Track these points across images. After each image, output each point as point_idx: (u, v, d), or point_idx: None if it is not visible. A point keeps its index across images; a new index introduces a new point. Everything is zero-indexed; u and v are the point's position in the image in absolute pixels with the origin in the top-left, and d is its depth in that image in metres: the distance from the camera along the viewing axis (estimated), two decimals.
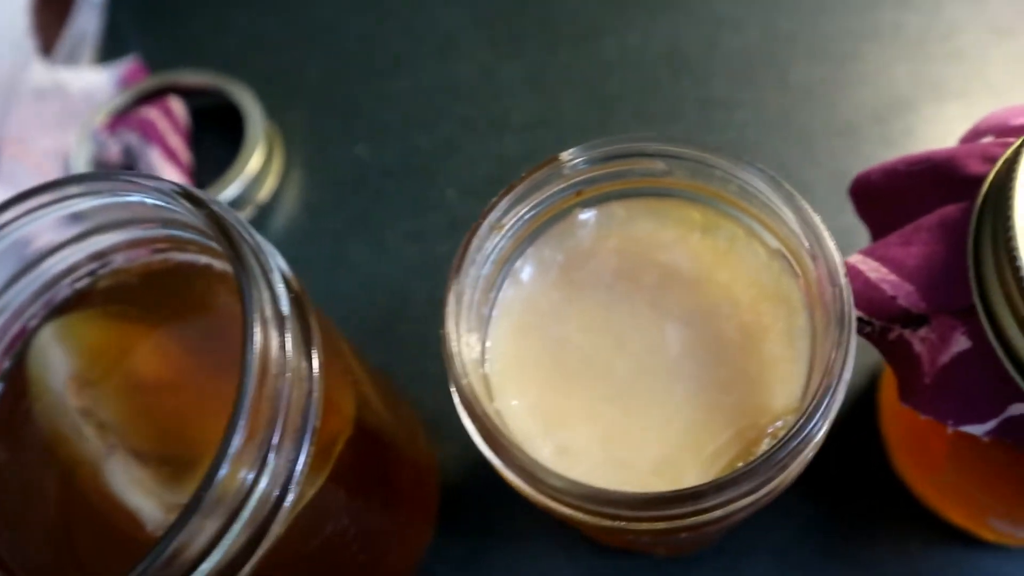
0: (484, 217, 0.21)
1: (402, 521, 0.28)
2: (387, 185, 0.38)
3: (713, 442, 0.20)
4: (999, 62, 0.36)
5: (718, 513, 0.19)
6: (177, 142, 0.38)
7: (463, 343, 0.21)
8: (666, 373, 0.21)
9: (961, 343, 0.20)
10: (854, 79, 0.37)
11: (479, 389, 0.21)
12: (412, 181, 0.37)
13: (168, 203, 0.20)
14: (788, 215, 0.20)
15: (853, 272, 0.23)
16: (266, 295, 0.19)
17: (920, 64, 0.37)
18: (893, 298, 0.22)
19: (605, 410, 0.21)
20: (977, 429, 0.20)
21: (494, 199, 0.21)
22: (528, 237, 0.23)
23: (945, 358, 0.21)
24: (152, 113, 0.37)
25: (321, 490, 0.22)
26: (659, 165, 0.22)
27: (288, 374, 0.19)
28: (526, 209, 0.22)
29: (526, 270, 0.23)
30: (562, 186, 0.22)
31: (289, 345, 0.20)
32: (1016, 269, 0.18)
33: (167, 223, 0.23)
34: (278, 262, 0.21)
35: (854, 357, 0.19)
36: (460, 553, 0.31)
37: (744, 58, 0.38)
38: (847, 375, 0.19)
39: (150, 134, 0.37)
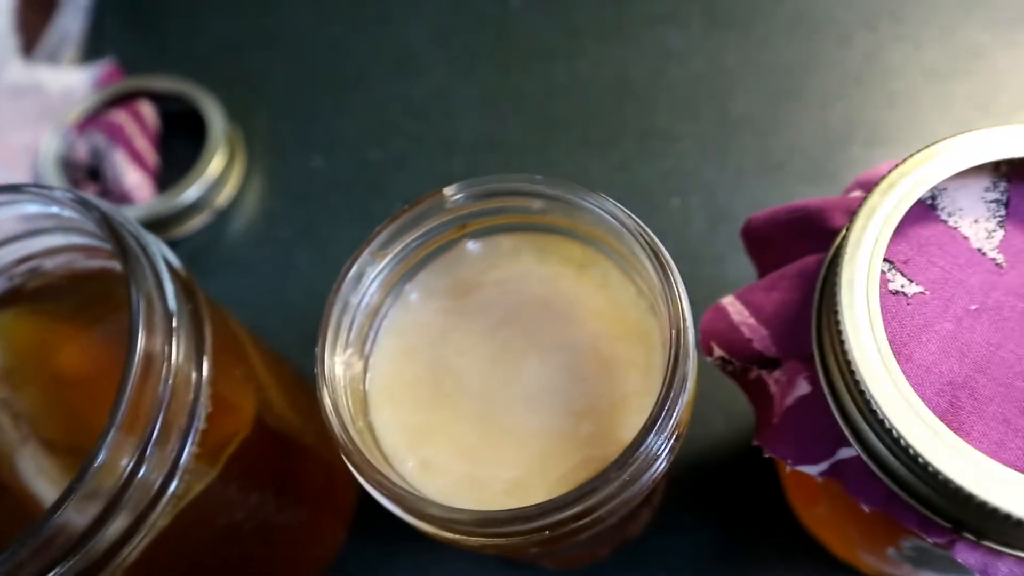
0: (366, 245, 0.23)
1: (309, 521, 0.30)
2: (337, 196, 0.39)
3: (561, 468, 0.22)
4: (931, 106, 0.37)
5: (551, 534, 0.20)
6: (144, 145, 0.40)
7: (337, 361, 0.22)
8: (528, 400, 0.23)
9: (803, 387, 0.22)
10: (792, 116, 0.38)
11: (352, 404, 0.22)
12: (361, 194, 0.39)
13: (62, 210, 0.22)
14: (643, 257, 0.22)
15: (721, 313, 0.24)
16: (156, 297, 0.21)
17: (856, 104, 0.38)
18: (750, 340, 0.23)
19: (468, 431, 0.23)
20: (812, 470, 0.22)
21: (377, 228, 0.23)
22: (418, 263, 0.25)
23: (789, 400, 0.22)
24: (120, 116, 0.39)
25: (211, 485, 0.24)
26: (536, 204, 0.23)
27: (169, 373, 0.21)
28: (413, 238, 0.24)
29: (414, 295, 0.25)
30: (446, 219, 0.24)
31: (176, 347, 0.21)
32: (837, 323, 0.19)
33: (82, 231, 0.25)
34: (170, 264, 0.23)
35: (687, 396, 0.21)
36: (373, 555, 0.32)
37: (687, 90, 0.39)
38: (676, 414, 0.20)
39: (116, 136, 0.39)
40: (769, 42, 0.39)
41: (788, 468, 0.22)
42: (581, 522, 0.20)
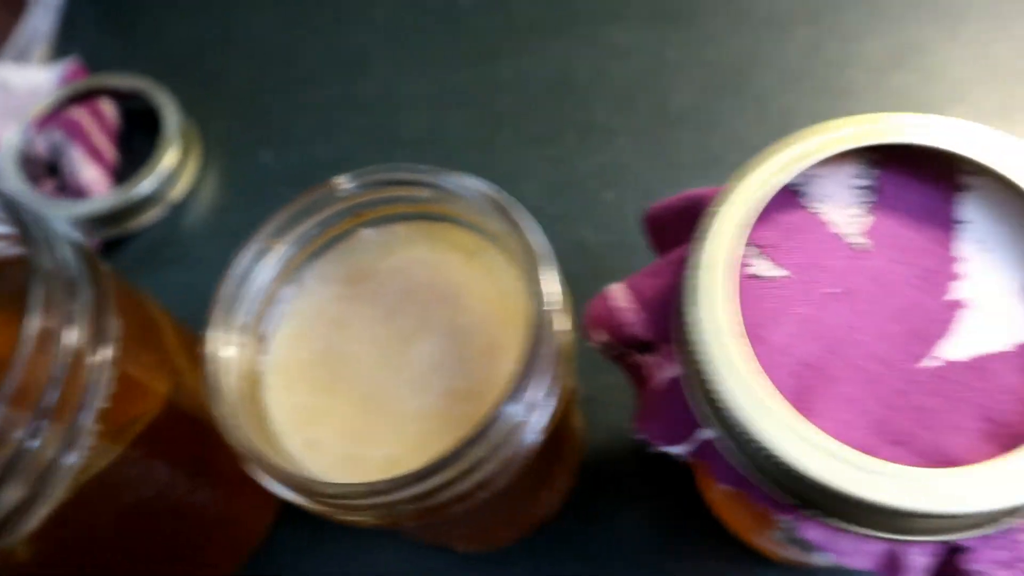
0: (258, 233, 0.24)
1: (228, 504, 0.31)
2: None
3: (436, 446, 0.22)
4: (872, 100, 0.37)
5: (417, 505, 0.21)
6: (103, 141, 0.41)
7: (228, 344, 0.23)
8: (412, 382, 0.24)
9: (669, 370, 0.22)
10: (731, 110, 0.38)
11: (242, 385, 0.23)
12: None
13: None
14: (515, 245, 0.22)
15: (605, 298, 0.25)
16: (55, 279, 0.22)
17: (796, 99, 0.38)
18: (628, 325, 0.23)
19: (353, 412, 0.24)
20: (677, 450, 0.22)
21: (269, 217, 0.24)
22: (317, 251, 0.26)
23: (657, 383, 0.22)
24: (79, 113, 0.41)
25: (116, 462, 0.25)
26: (424, 193, 0.24)
27: (64, 352, 0.22)
28: (308, 226, 0.25)
29: (311, 281, 0.26)
30: (340, 208, 0.25)
31: (75, 328, 0.22)
32: (681, 306, 0.20)
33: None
34: (79, 249, 0.24)
35: (556, 369, 0.21)
36: (300, 540, 0.33)
37: (628, 86, 0.39)
38: (537, 392, 0.21)
39: (74, 133, 0.40)
40: (711, 37, 0.40)
41: (652, 449, 0.22)
42: (448, 493, 0.21)
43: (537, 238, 0.22)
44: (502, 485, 0.22)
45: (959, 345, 0.20)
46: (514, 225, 0.22)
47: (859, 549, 0.20)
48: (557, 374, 0.22)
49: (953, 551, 0.20)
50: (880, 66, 0.38)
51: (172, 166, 0.41)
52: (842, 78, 0.38)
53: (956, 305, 0.20)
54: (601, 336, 0.24)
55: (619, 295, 0.24)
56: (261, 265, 0.24)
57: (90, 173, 0.40)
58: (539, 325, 0.20)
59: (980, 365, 0.19)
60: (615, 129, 0.38)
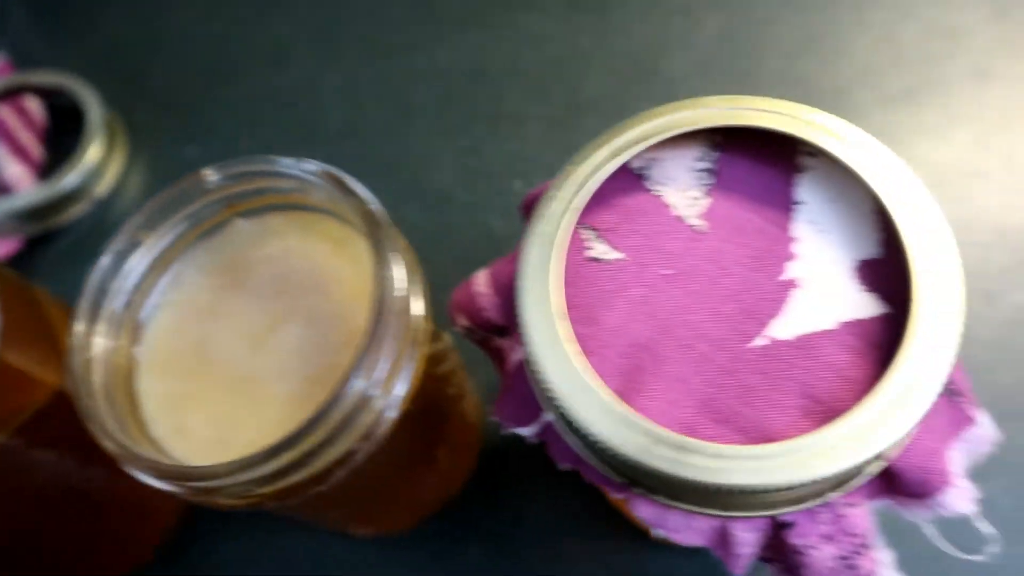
0: (126, 226, 0.24)
1: (130, 494, 0.31)
2: None
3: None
4: (783, 86, 0.38)
5: (274, 486, 0.21)
6: (28, 139, 0.42)
7: (97, 334, 0.24)
8: (277, 369, 0.24)
9: (519, 353, 0.23)
10: (640, 97, 0.38)
11: (112, 374, 0.24)
12: None
13: None
14: (358, 220, 0.23)
15: (468, 283, 0.25)
16: None
17: (704, 86, 0.38)
18: (485, 309, 0.24)
19: (221, 398, 0.24)
20: (525, 431, 0.22)
21: (137, 210, 0.24)
22: (193, 241, 0.26)
23: (509, 366, 0.23)
24: (3, 111, 0.41)
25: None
26: (291, 183, 0.25)
27: None
28: (180, 218, 0.25)
29: (187, 272, 0.26)
30: (211, 199, 0.25)
31: None
32: (514, 290, 0.20)
33: None
34: None
35: (397, 351, 0.22)
36: (210, 528, 0.34)
37: (540, 74, 0.40)
38: (379, 373, 0.21)
39: None
40: (623, 25, 0.40)
41: (502, 431, 0.23)
42: (302, 473, 0.21)
43: (379, 212, 0.22)
44: (363, 464, 0.23)
45: (787, 324, 0.20)
46: (353, 198, 0.22)
47: (688, 526, 0.20)
48: (409, 350, 0.22)
49: (780, 526, 0.20)
50: (789, 52, 0.38)
51: (96, 161, 0.41)
52: (751, 64, 0.38)
53: (789, 284, 0.20)
54: (462, 320, 0.25)
55: (481, 280, 0.25)
56: (134, 257, 0.25)
57: (14, 170, 0.40)
58: (381, 298, 0.21)
59: (804, 343, 0.20)
60: (526, 118, 0.39)
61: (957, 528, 0.22)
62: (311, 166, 0.23)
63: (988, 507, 0.30)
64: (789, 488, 0.18)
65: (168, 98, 0.44)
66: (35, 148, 0.42)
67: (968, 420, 0.22)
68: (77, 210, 0.41)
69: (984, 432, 0.22)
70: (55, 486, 0.28)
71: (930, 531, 0.22)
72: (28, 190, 0.41)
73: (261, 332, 0.25)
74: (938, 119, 0.36)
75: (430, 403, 0.26)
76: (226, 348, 0.25)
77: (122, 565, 0.33)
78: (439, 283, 0.29)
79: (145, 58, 0.45)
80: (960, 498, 0.21)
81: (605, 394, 0.19)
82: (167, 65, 0.44)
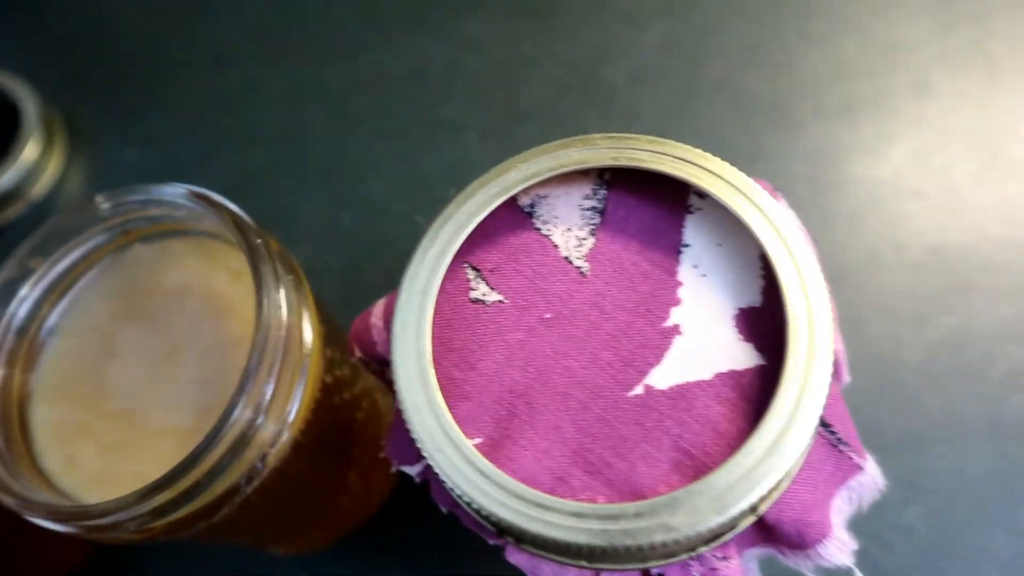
0: (15, 254, 0.24)
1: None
2: None
3: None
4: (724, 97, 0.37)
5: (162, 519, 0.21)
6: None
7: None
8: (172, 400, 0.24)
9: None
10: (579, 105, 0.38)
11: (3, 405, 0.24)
12: None
13: None
14: (237, 243, 0.22)
15: (366, 313, 0.25)
16: None
17: (648, 94, 0.37)
18: (375, 343, 0.24)
19: (113, 429, 0.24)
20: (411, 471, 0.22)
21: (30, 236, 0.24)
22: (90, 267, 0.26)
23: (397, 403, 0.23)
24: None
25: None
26: (180, 212, 0.24)
27: None
28: (74, 244, 0.25)
29: (85, 298, 0.26)
30: (107, 226, 0.25)
31: None
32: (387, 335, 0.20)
33: None
34: None
35: (279, 378, 0.21)
36: (132, 549, 0.34)
37: (481, 80, 0.39)
38: (263, 401, 0.21)
39: None
40: (567, 31, 0.39)
41: (393, 469, 0.22)
42: (190, 506, 0.21)
43: (253, 239, 0.22)
44: (255, 495, 0.23)
45: (665, 373, 0.20)
46: (226, 219, 0.22)
47: (558, 573, 0.20)
48: (299, 377, 0.22)
49: None
50: (731, 62, 0.37)
51: (32, 160, 0.41)
52: (693, 73, 0.37)
53: (673, 331, 0.20)
54: (357, 352, 0.25)
55: (377, 312, 0.24)
56: (26, 285, 0.24)
57: None
58: (259, 324, 0.21)
59: (680, 394, 0.19)
60: (465, 124, 0.38)
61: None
62: (184, 190, 0.22)
63: (907, 534, 0.30)
64: (651, 547, 0.18)
65: (109, 98, 0.43)
66: None
67: (854, 468, 0.22)
68: (12, 212, 0.41)
69: (871, 479, 0.22)
70: None
71: None
72: None
73: (157, 361, 0.24)
74: (877, 135, 0.35)
75: (333, 430, 0.26)
76: (121, 377, 0.25)
77: None
78: (372, 294, 0.29)
79: (88, 57, 0.44)
80: (838, 550, 0.20)
81: (467, 449, 0.18)
82: (109, 64, 0.44)
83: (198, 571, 0.33)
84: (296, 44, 0.42)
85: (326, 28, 0.42)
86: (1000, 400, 0.31)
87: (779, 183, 0.33)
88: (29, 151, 0.40)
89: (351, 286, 0.35)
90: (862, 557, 0.31)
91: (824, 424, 0.21)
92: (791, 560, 0.21)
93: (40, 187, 0.41)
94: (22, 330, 0.25)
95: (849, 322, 0.32)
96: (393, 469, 0.22)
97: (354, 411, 0.27)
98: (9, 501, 0.20)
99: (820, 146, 0.35)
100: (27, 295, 0.24)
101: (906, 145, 0.35)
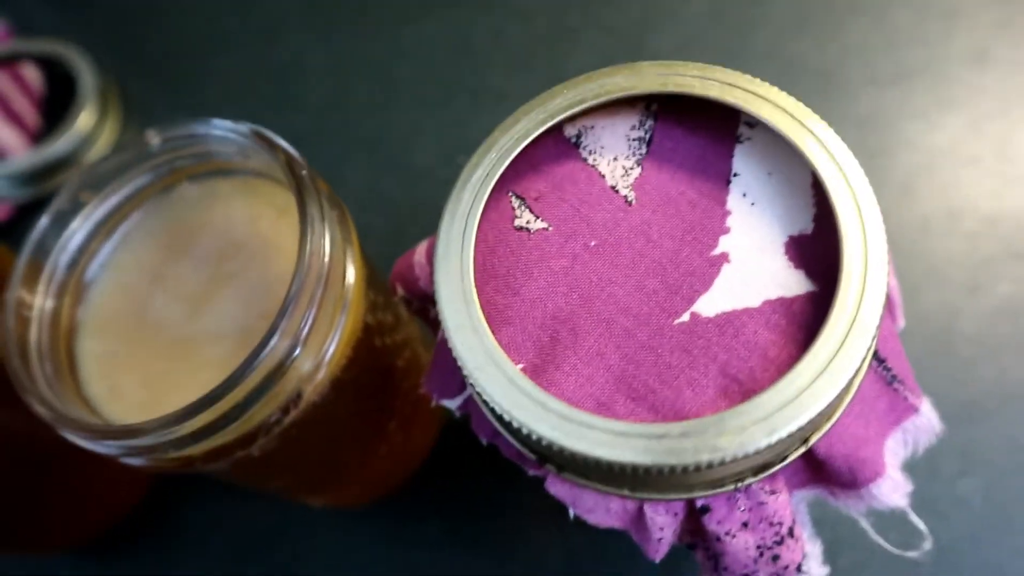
0: (68, 188, 0.24)
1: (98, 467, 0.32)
2: None
3: None
4: (773, 65, 0.36)
5: (202, 444, 0.21)
6: (24, 105, 0.42)
7: (36, 295, 0.24)
8: (214, 332, 0.24)
9: None
10: None
11: (50, 335, 0.24)
12: None
13: None
14: (286, 180, 0.22)
15: (409, 253, 0.25)
16: None
17: (697, 58, 0.37)
18: (418, 279, 0.23)
19: (157, 360, 0.24)
20: (451, 404, 0.22)
21: (83, 171, 0.25)
22: (139, 204, 0.26)
23: (439, 337, 0.22)
24: None
25: None
26: (231, 148, 0.24)
27: None
28: (125, 180, 0.25)
29: (133, 234, 0.26)
30: (157, 163, 0.25)
31: None
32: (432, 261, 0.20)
33: None
34: None
35: (318, 311, 0.21)
36: (177, 495, 0.34)
37: (526, 49, 0.39)
38: (301, 333, 0.21)
39: None
40: (611, 1, 0.39)
41: (433, 403, 0.22)
42: (226, 433, 0.21)
43: (306, 172, 0.22)
44: (293, 429, 0.23)
45: (713, 300, 0.19)
46: (278, 156, 0.22)
47: (602, 506, 0.20)
48: (339, 314, 0.22)
49: (697, 511, 0.19)
50: (779, 30, 0.37)
51: (88, 128, 0.41)
52: (739, 41, 0.37)
53: (722, 259, 0.20)
54: (400, 290, 0.24)
55: (420, 250, 0.24)
56: (77, 218, 0.25)
57: (7, 135, 0.41)
58: (301, 256, 0.21)
59: (727, 321, 0.19)
60: (508, 93, 0.38)
61: (895, 522, 0.21)
62: (242, 127, 0.23)
63: (962, 505, 0.29)
64: (696, 468, 0.17)
65: (163, 68, 0.44)
66: (30, 115, 0.43)
67: (910, 409, 0.21)
68: (66, 178, 0.42)
69: (926, 422, 0.21)
70: (31, 444, 0.28)
71: (865, 524, 0.21)
72: (19, 156, 0.41)
73: (201, 296, 0.25)
74: (932, 102, 0.34)
75: (373, 373, 0.26)
76: (165, 311, 0.25)
77: (99, 523, 0.33)
78: None
79: (143, 28, 0.45)
80: (891, 490, 0.20)
81: (511, 369, 0.18)
82: (164, 36, 0.45)
83: (241, 519, 0.33)
84: (342, 17, 0.42)
85: (371, 1, 0.42)
86: None
87: None
88: (84, 119, 0.41)
89: (395, 250, 0.35)
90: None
91: (878, 359, 0.20)
92: (843, 502, 0.21)
93: (94, 154, 0.42)
94: (72, 264, 0.25)
95: (903, 290, 0.32)
96: (433, 403, 0.22)
97: (395, 358, 0.27)
98: (47, 415, 0.21)
99: (872, 113, 0.34)
100: (77, 228, 0.25)
101: (962, 112, 0.34)
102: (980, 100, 0.34)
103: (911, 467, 0.29)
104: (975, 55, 0.35)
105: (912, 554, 0.20)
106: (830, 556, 0.29)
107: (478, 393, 0.19)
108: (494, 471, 0.32)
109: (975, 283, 0.31)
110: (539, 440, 0.18)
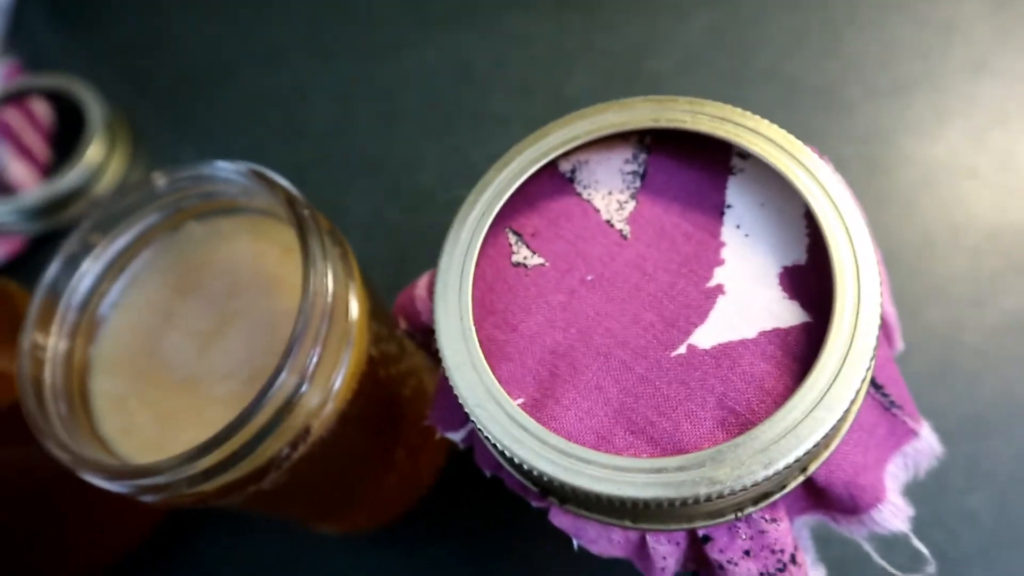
0: (77, 230, 0.25)
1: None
2: None
3: None
4: (770, 86, 0.37)
5: (211, 484, 0.22)
6: (35, 140, 0.43)
7: (50, 336, 0.24)
8: (222, 371, 0.24)
9: None
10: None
11: (63, 375, 0.25)
12: None
13: None
14: (287, 217, 0.23)
15: (412, 286, 0.25)
16: None
17: (692, 83, 0.37)
18: (420, 313, 0.24)
19: (166, 398, 0.24)
20: (455, 436, 0.22)
21: (84, 215, 0.25)
22: (146, 244, 0.27)
23: (442, 370, 0.23)
24: (9, 113, 0.43)
25: None
26: (235, 188, 0.25)
27: None
28: (132, 221, 0.26)
29: (142, 274, 0.27)
30: (164, 203, 0.26)
31: None
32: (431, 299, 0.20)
33: None
34: None
35: (336, 347, 0.22)
36: (187, 526, 0.34)
37: (525, 74, 0.39)
38: (308, 369, 0.21)
39: (3, 133, 0.42)
40: (611, 23, 0.39)
41: (437, 436, 0.23)
42: (237, 470, 0.22)
43: (307, 211, 0.22)
44: (302, 463, 0.23)
45: (709, 332, 0.19)
46: (278, 194, 0.22)
47: (605, 537, 0.20)
48: (345, 348, 0.22)
49: (699, 540, 0.20)
50: (778, 49, 0.37)
51: (97, 161, 0.42)
52: (738, 62, 0.37)
53: (717, 291, 0.20)
54: (402, 323, 0.25)
55: (422, 283, 0.25)
56: (88, 259, 0.25)
57: (18, 170, 0.42)
58: (305, 293, 0.21)
59: (724, 352, 0.19)
60: (510, 117, 0.38)
61: (899, 546, 0.21)
62: (242, 167, 0.23)
63: (971, 520, 0.29)
64: (695, 501, 0.17)
65: (168, 99, 0.45)
66: (41, 149, 0.43)
67: (909, 433, 0.21)
68: (76, 210, 0.42)
69: (927, 445, 0.21)
70: (45, 477, 0.29)
71: (868, 548, 0.21)
72: (31, 190, 0.42)
73: (209, 334, 0.25)
74: (931, 115, 0.34)
75: (379, 404, 0.26)
76: (175, 349, 0.25)
77: (113, 552, 0.34)
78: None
79: (148, 61, 0.46)
80: (892, 515, 0.20)
81: (510, 405, 0.18)
82: (168, 67, 0.45)
83: (252, 549, 0.33)
84: (343, 43, 0.43)
85: (372, 27, 0.43)
86: None
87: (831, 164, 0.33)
88: (93, 151, 0.42)
89: (398, 276, 0.36)
90: (926, 544, 0.29)
91: (876, 386, 0.20)
92: (845, 527, 0.21)
93: (104, 186, 0.43)
94: (84, 304, 0.25)
95: (906, 306, 0.32)
96: (437, 436, 0.23)
97: (400, 387, 0.27)
98: (65, 458, 0.21)
99: (872, 127, 0.34)
100: (87, 270, 0.25)
101: (961, 124, 0.34)
102: (979, 111, 0.34)
103: (918, 482, 0.30)
104: (973, 66, 0.35)
105: None
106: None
107: (479, 429, 0.19)
108: (501, 496, 0.32)
109: (979, 297, 0.31)
110: (540, 475, 0.18)
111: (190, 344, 0.25)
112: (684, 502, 0.17)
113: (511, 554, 0.32)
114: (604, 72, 0.38)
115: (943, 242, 0.32)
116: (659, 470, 0.17)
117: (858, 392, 0.18)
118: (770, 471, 0.17)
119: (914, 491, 0.29)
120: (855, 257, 0.19)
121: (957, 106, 0.34)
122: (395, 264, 0.37)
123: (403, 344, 0.28)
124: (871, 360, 0.18)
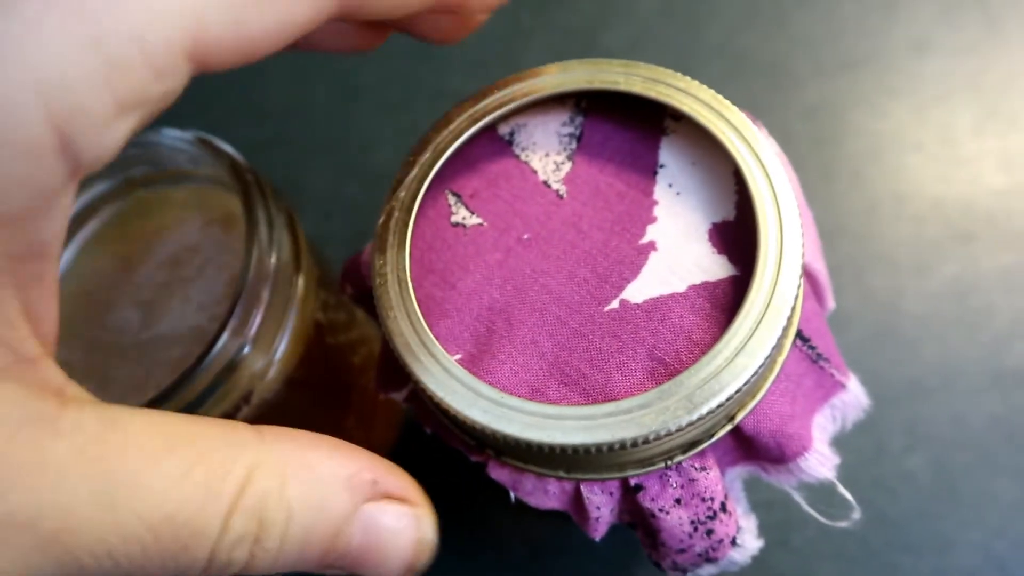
0: None
1: None
2: None
3: None
4: (720, 61, 0.37)
5: None
6: None
7: None
8: (171, 335, 0.25)
9: None
10: None
11: None
12: None
13: None
14: (229, 180, 0.23)
15: (358, 252, 0.25)
16: None
17: (649, 56, 0.38)
18: (365, 277, 0.24)
19: (113, 366, 0.25)
20: (397, 396, 0.23)
21: None
22: (99, 214, 0.27)
23: (383, 334, 0.23)
24: None
25: None
26: (183, 157, 0.25)
27: None
28: (86, 191, 0.26)
29: (91, 243, 0.27)
30: (112, 172, 0.26)
31: None
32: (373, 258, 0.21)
33: None
34: None
35: (265, 311, 0.22)
36: None
37: (482, 51, 0.40)
38: (250, 331, 0.22)
39: None
40: (564, 1, 0.40)
41: (381, 396, 0.23)
42: None
43: (246, 175, 0.23)
44: (247, 423, 0.23)
45: (640, 288, 0.20)
46: (224, 162, 0.23)
47: (541, 489, 0.20)
48: (289, 313, 0.22)
49: (632, 489, 0.20)
50: (728, 26, 0.38)
51: None
52: (690, 38, 0.38)
53: (649, 247, 0.20)
54: (348, 288, 0.25)
55: (368, 249, 0.25)
56: None
57: None
58: (249, 258, 0.21)
59: (654, 306, 0.19)
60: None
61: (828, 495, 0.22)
62: (188, 135, 0.23)
63: (910, 480, 0.30)
64: (623, 446, 0.18)
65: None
66: None
67: (837, 385, 0.22)
68: None
69: (854, 397, 0.22)
70: None
71: (798, 497, 0.22)
72: None
73: (156, 302, 0.25)
74: (876, 90, 0.35)
75: (326, 371, 0.26)
76: (122, 317, 0.25)
77: None
78: None
79: None
80: (819, 463, 0.20)
81: (447, 361, 0.19)
82: None
83: None
84: None
85: None
86: (1002, 348, 0.31)
87: (780, 139, 0.34)
88: None
89: (357, 250, 0.36)
90: (866, 505, 0.30)
91: (803, 338, 0.21)
92: (774, 477, 0.21)
93: None
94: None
95: (850, 273, 0.32)
96: (381, 396, 0.23)
97: (350, 355, 0.28)
98: None
99: (820, 103, 0.35)
100: None
101: (906, 100, 0.35)
102: (922, 87, 0.35)
103: (859, 444, 0.30)
104: (916, 44, 0.36)
105: (843, 524, 0.21)
106: (782, 535, 0.29)
107: (416, 383, 0.19)
108: (457, 467, 0.33)
109: (921, 265, 0.32)
110: (474, 425, 0.18)
111: (137, 312, 0.25)
112: (611, 447, 0.18)
113: (469, 525, 0.32)
114: (558, 48, 0.39)
115: (889, 211, 0.33)
116: (588, 417, 0.18)
117: (780, 340, 0.18)
118: (694, 416, 0.18)
119: (854, 453, 0.30)
120: (779, 212, 0.19)
121: (901, 82, 0.35)
122: (354, 240, 0.37)
123: (353, 313, 0.29)
124: (792, 310, 0.18)
